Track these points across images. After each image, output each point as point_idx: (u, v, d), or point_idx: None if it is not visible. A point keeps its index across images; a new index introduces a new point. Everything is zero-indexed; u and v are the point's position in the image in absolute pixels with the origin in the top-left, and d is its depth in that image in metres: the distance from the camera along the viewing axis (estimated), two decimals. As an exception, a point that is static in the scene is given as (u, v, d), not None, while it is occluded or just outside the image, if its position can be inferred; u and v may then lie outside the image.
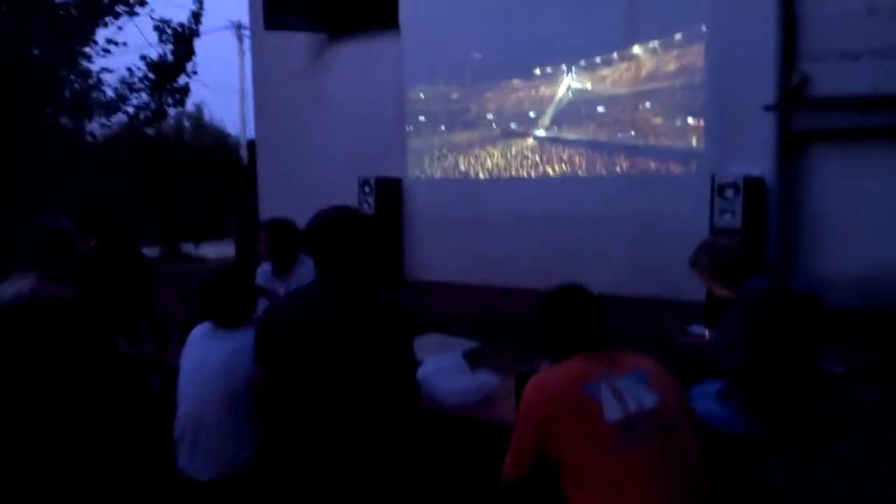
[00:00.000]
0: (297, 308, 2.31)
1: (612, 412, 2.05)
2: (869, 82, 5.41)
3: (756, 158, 5.77)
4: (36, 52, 8.95)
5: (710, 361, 3.15)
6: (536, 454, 2.07)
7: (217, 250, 15.07)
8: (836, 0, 5.51)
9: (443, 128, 7.71)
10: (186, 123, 21.29)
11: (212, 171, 16.16)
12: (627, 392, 2.11)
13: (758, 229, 5.69)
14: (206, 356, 2.60)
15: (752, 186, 5.60)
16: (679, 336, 3.39)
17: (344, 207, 2.54)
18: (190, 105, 18.94)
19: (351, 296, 2.31)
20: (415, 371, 2.44)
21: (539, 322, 2.37)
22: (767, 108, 5.67)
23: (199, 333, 2.72)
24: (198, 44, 10.35)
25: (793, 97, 5.65)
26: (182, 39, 9.84)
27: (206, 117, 21.72)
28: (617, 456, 1.99)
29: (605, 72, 6.59)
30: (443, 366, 2.95)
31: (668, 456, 2.03)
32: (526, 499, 2.21)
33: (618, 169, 6.62)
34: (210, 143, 19.87)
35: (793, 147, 5.74)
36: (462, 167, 7.60)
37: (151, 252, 14.82)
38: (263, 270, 4.10)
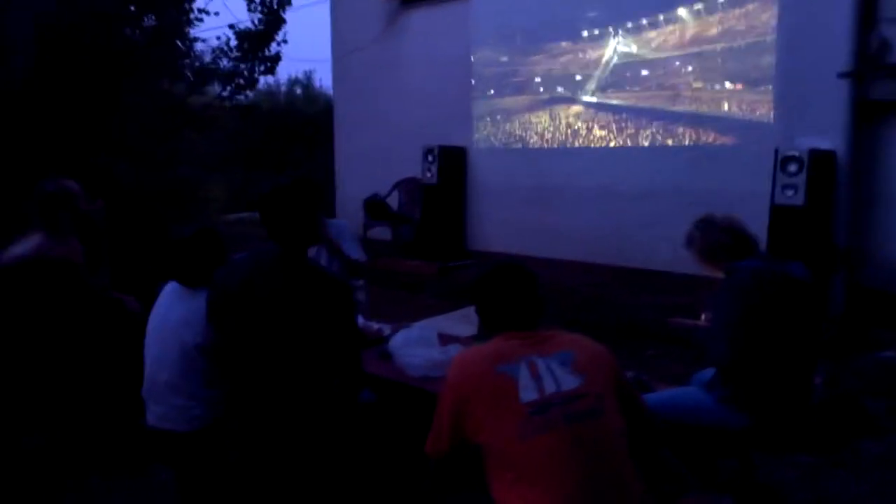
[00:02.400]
0: (244, 273, 2.36)
1: (527, 392, 1.98)
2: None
3: (827, 130, 5.31)
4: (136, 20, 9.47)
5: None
6: (454, 433, 2.04)
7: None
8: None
9: (507, 97, 7.58)
10: (298, 91, 22.08)
11: (321, 138, 16.63)
12: (547, 373, 2.02)
13: (823, 208, 5.26)
14: (168, 314, 2.67)
15: (818, 161, 5.17)
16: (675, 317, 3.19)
17: (298, 177, 2.58)
18: (300, 72, 19.55)
19: (297, 263, 2.35)
20: (357, 344, 2.45)
21: (472, 300, 2.31)
22: (841, 76, 5.19)
23: (167, 291, 2.77)
24: (301, 13, 10.67)
25: (871, 63, 5.14)
26: (271, 9, 10.12)
27: (316, 84, 22.41)
28: (527, 440, 1.92)
29: (668, 37, 6.24)
30: (411, 338, 2.94)
31: (582, 443, 1.93)
32: (452, 476, 2.19)
33: (679, 140, 6.29)
34: (318, 110, 20.45)
35: (869, 118, 5.24)
36: (525, 137, 7.47)
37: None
38: None
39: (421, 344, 2.92)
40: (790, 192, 5.22)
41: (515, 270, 2.27)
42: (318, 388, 2.30)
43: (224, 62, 10.29)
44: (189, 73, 10.27)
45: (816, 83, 5.36)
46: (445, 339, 3.17)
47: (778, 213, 5.29)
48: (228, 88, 10.77)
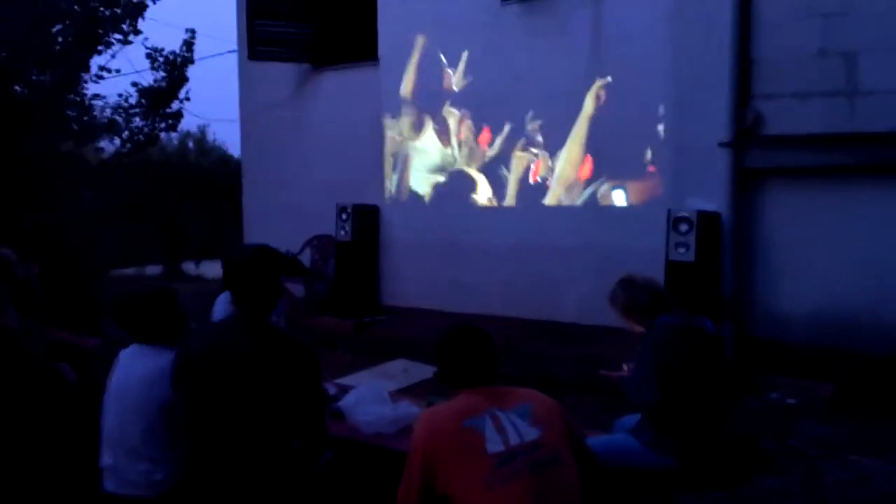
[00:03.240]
0: (210, 340, 2.46)
1: (494, 444, 2.19)
2: (820, 121, 5.55)
3: (712, 194, 5.91)
4: (33, 77, 9.26)
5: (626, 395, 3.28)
6: (423, 487, 2.19)
7: (217, 269, 15.24)
8: (787, 42, 5.66)
9: (417, 156, 7.89)
10: (191, 145, 21.74)
11: (214, 191, 16.42)
12: (510, 425, 2.24)
13: (712, 264, 5.82)
14: (129, 374, 2.64)
15: (705, 221, 5.74)
16: (602, 369, 3.51)
17: (261, 245, 2.70)
18: (194, 127, 19.37)
19: (263, 330, 2.47)
20: (322, 407, 2.58)
21: (436, 359, 2.51)
22: (722, 145, 5.82)
23: (127, 353, 2.76)
24: (204, 67, 10.72)
25: (746, 135, 5.80)
26: (174, 67, 10.10)
27: (210, 138, 22.18)
28: (493, 490, 2.11)
29: (570, 108, 6.78)
30: (363, 396, 3.09)
31: (545, 490, 2.15)
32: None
33: (583, 201, 6.78)
34: (212, 163, 20.17)
35: (747, 183, 5.88)
36: (436, 196, 7.78)
37: (154, 270, 15.13)
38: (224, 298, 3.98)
39: (373, 402, 3.08)
40: (682, 250, 5.76)
41: (474, 332, 2.50)
42: (280, 450, 2.41)
43: (120, 119, 10.14)
44: (77, 128, 10.02)
45: (701, 151, 5.96)
46: (395, 397, 3.34)
47: (672, 268, 5.81)
48: (128, 146, 10.59)
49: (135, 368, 2.69)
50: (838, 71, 5.46)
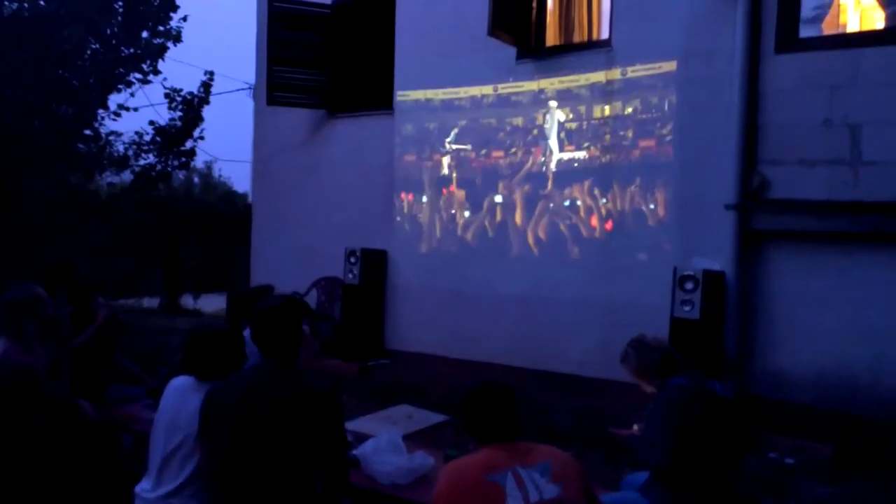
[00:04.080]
0: (238, 390, 2.55)
1: (514, 500, 2.28)
2: (824, 188, 5.71)
3: (717, 254, 6.04)
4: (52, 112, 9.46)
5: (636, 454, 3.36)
6: (444, 537, 2.28)
7: (215, 303, 15.31)
8: (793, 111, 5.85)
9: (427, 204, 8.04)
10: (196, 180, 22.03)
11: (218, 227, 16.57)
12: (530, 482, 2.33)
13: (716, 322, 5.92)
14: (180, 407, 2.73)
15: (711, 280, 5.86)
16: (611, 427, 3.59)
17: (287, 296, 2.81)
18: (200, 162, 19.67)
19: (292, 379, 2.56)
20: (345, 454, 2.65)
21: (459, 415, 2.60)
22: (728, 207, 5.97)
23: (178, 384, 2.85)
24: (216, 101, 11.00)
25: (752, 198, 5.96)
26: (191, 107, 10.33)
27: (216, 174, 22.51)
28: (512, 544, 2.20)
29: (580, 162, 6.96)
30: (380, 445, 3.16)
31: (561, 545, 2.24)
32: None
33: (592, 254, 6.90)
34: (217, 199, 20.43)
35: (752, 245, 6.01)
36: (445, 242, 7.91)
37: (151, 303, 15.19)
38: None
39: (390, 451, 3.15)
40: (687, 308, 5.87)
41: (499, 389, 2.60)
42: (304, 495, 2.49)
43: (138, 157, 10.34)
44: (88, 163, 10.20)
45: (708, 212, 6.11)
46: (408, 445, 3.41)
47: (677, 325, 5.91)
48: (139, 182, 10.78)
49: (188, 399, 2.76)
50: (843, 141, 5.63)
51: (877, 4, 5.96)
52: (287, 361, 2.60)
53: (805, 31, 6.02)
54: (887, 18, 5.85)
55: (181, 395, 2.81)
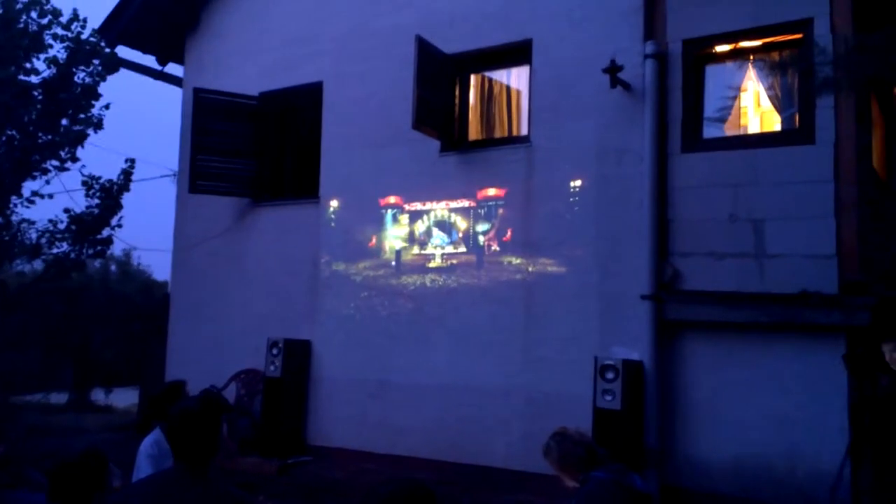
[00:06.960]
0: (149, 493, 2.42)
1: None
2: (733, 280, 5.97)
3: (636, 343, 6.17)
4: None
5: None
6: None
7: (129, 398, 14.58)
8: (700, 207, 6.16)
9: (351, 294, 7.98)
10: (113, 268, 21.32)
11: (135, 317, 15.98)
12: None
13: (636, 412, 5.99)
14: None
15: (630, 369, 5.96)
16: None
17: (203, 397, 2.72)
18: (119, 250, 19.11)
19: (207, 485, 2.44)
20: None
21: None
22: (644, 297, 6.15)
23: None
24: (138, 188, 10.71)
25: (666, 289, 6.16)
26: (109, 194, 10.10)
27: (135, 262, 21.85)
28: None
29: (506, 263, 7.08)
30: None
31: None
32: None
33: (513, 345, 6.93)
34: (135, 288, 19.77)
35: (668, 335, 6.18)
36: (368, 333, 7.81)
37: (59, 398, 14.33)
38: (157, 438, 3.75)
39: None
40: (609, 398, 5.92)
41: (419, 489, 2.51)
42: None
43: (44, 242, 9.93)
44: (0, 254, 9.76)
45: (625, 302, 6.27)
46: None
47: (600, 415, 5.95)
48: (51, 271, 10.33)
49: None
50: (747, 235, 5.94)
51: (772, 109, 6.43)
52: (200, 465, 2.48)
53: (709, 132, 6.42)
54: (783, 121, 6.31)
55: None
